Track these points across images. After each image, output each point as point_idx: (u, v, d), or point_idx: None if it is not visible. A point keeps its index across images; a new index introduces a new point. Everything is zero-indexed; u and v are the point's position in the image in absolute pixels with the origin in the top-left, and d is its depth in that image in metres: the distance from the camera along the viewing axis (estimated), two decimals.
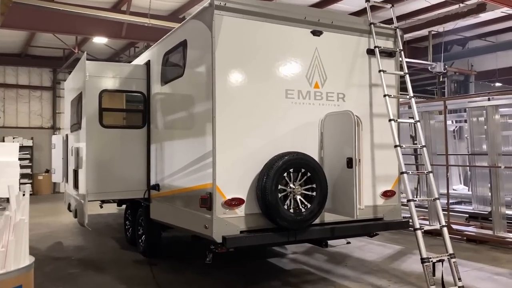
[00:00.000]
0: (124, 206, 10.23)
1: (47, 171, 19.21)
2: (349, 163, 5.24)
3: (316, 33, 5.75)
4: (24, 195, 3.24)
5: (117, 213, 12.99)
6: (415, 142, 11.67)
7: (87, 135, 7.02)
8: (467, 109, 10.79)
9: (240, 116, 5.27)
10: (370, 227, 5.96)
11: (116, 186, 7.25)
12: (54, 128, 19.84)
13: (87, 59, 7.03)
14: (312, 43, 5.74)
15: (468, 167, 13.52)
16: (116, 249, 8.54)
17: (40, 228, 10.66)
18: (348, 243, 8.03)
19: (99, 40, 14.38)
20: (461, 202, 12.47)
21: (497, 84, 20.56)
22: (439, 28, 15.10)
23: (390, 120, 5.81)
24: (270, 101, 5.45)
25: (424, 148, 5.98)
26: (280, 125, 5.51)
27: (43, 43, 16.89)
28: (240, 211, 5.22)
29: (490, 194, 10.61)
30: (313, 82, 5.72)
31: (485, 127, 10.82)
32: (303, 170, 5.26)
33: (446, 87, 18.53)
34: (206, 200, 5.14)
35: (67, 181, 9.35)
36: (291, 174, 5.24)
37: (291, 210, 5.20)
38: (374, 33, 6.05)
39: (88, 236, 9.76)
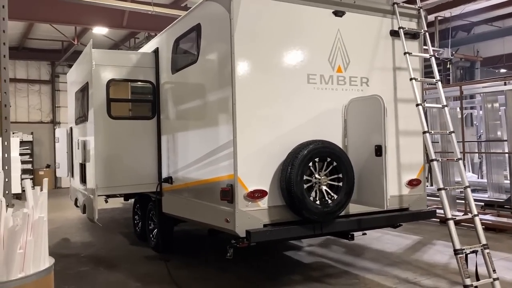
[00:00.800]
0: (130, 201, 9.97)
1: (48, 166, 18.90)
2: (378, 151, 4.95)
3: (338, 13, 5.42)
4: (42, 190, 2.93)
5: (122, 208, 12.73)
6: None
7: (95, 127, 6.70)
8: (481, 94, 10.51)
9: (261, 103, 4.97)
10: (397, 218, 5.68)
11: (127, 179, 6.95)
12: (54, 123, 19.49)
13: None
14: (334, 24, 5.42)
15: (477, 154, 13.30)
16: (125, 244, 8.26)
17: None
18: (364, 234, 7.78)
19: (99, 31, 14.00)
20: (474, 190, 12.24)
21: (502, 70, 20.26)
22: (446, 13, 14.77)
23: (417, 105, 5.51)
24: (292, 86, 5.14)
25: (453, 134, 5.68)
26: (302, 112, 5.20)
27: (41, 35, 16.49)
28: (263, 203, 4.93)
29: (506, 181, 10.40)
30: (335, 66, 5.41)
31: (500, 113, 10.58)
32: (328, 159, 4.97)
33: (451, 73, 18.24)
34: (227, 193, 4.85)
35: (72, 175, 9.05)
36: (316, 163, 4.95)
37: (317, 202, 4.91)
38: (398, 14, 5.73)
39: (94, 231, 9.47)
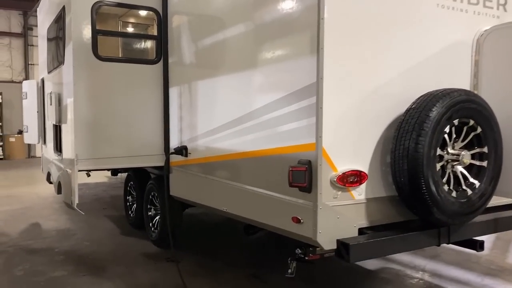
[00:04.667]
0: (120, 175, 7.97)
1: (21, 132, 16.53)
2: None
3: None
4: None
5: (108, 183, 10.63)
6: None
7: (75, 71, 4.58)
8: None
9: (363, 24, 2.93)
10: None
11: (120, 149, 4.86)
12: None
13: None
14: None
15: None
16: (115, 234, 6.21)
17: (10, 202, 8.25)
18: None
19: None
20: None
21: None
22: None
23: None
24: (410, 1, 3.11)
25: None
26: (423, 44, 3.19)
27: None
28: (359, 194, 2.96)
29: None
30: None
31: None
32: (471, 123, 2.99)
33: None
34: (301, 175, 2.84)
35: (44, 142, 6.91)
36: (453, 129, 2.96)
37: (453, 194, 2.95)
38: None
39: (74, 215, 7.36)
